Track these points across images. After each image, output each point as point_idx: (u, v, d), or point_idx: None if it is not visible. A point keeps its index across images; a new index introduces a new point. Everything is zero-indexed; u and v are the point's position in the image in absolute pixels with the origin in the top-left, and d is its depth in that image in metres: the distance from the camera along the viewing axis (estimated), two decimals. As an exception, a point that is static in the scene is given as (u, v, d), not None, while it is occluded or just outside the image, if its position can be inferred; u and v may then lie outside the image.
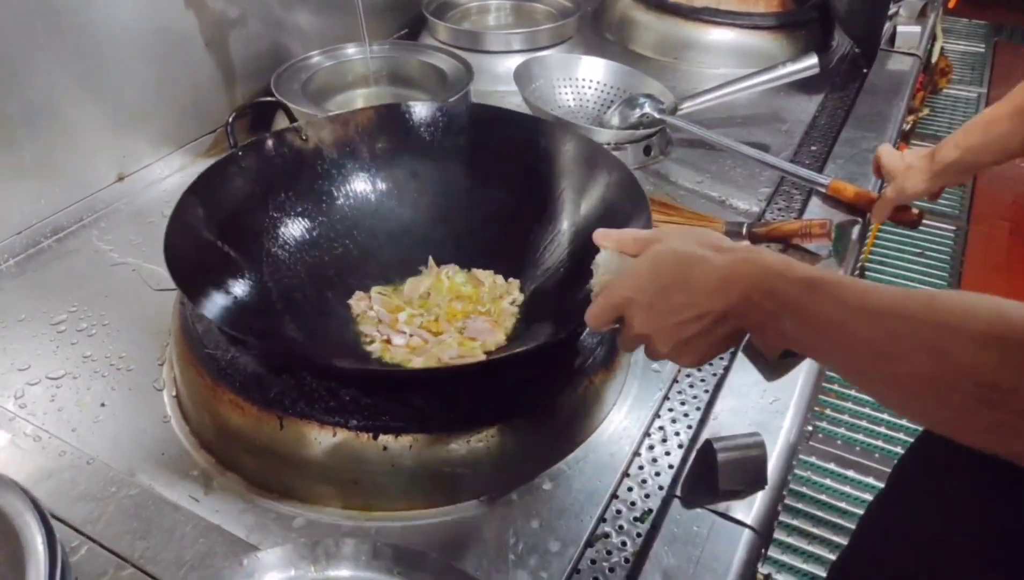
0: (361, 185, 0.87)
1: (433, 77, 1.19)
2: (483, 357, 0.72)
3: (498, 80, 1.27)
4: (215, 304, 0.67)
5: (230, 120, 0.78)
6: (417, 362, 0.72)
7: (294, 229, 0.81)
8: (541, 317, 0.77)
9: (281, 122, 1.09)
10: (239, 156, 0.79)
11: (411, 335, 0.75)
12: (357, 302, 0.79)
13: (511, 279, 0.82)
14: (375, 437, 0.62)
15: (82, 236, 0.96)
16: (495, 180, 0.86)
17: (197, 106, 1.09)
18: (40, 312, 0.84)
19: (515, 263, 0.82)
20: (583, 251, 0.75)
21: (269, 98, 0.91)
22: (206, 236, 0.72)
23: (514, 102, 1.23)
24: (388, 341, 0.75)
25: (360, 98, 1.21)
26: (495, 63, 1.29)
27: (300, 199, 0.82)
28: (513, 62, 1.24)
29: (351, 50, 1.21)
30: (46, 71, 0.89)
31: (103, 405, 0.73)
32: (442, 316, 0.78)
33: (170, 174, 1.07)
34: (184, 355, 0.69)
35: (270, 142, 0.82)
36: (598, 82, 1.17)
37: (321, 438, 0.62)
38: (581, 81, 1.17)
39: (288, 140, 0.83)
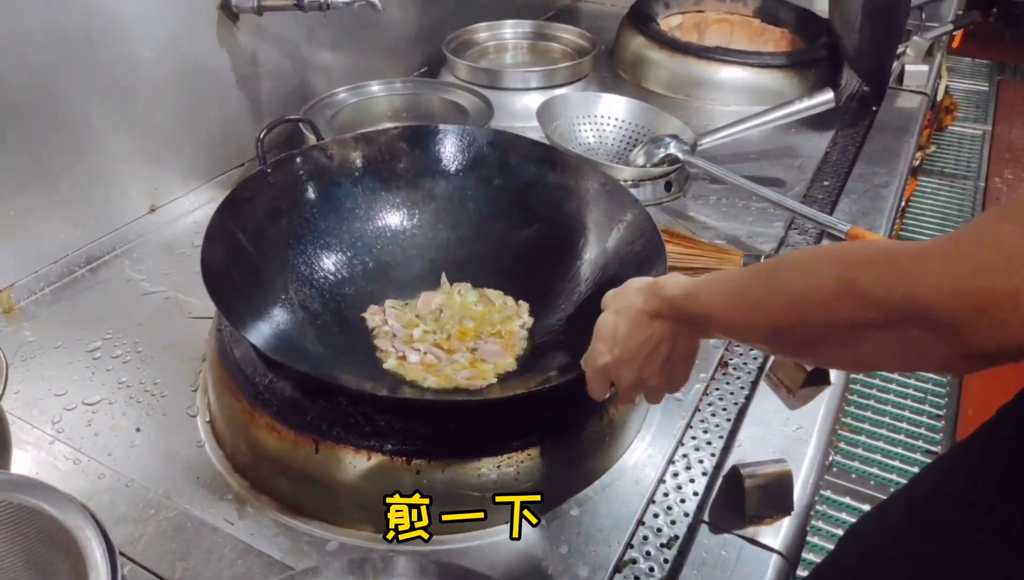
0: (382, 203, 0.90)
1: (455, 113, 1.22)
2: (494, 379, 0.75)
3: (516, 117, 1.30)
4: (256, 330, 0.69)
5: (261, 136, 0.81)
6: (431, 381, 0.74)
7: (317, 244, 0.84)
8: (552, 346, 0.79)
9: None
10: (268, 172, 0.82)
11: (425, 353, 0.77)
12: (372, 316, 0.82)
13: (520, 302, 0.84)
14: (408, 461, 0.63)
15: (115, 266, 0.98)
16: (515, 207, 0.89)
17: (226, 140, 1.12)
18: (75, 339, 0.86)
19: (526, 288, 0.85)
20: (597, 289, 0.79)
21: (295, 117, 0.94)
22: (238, 250, 0.75)
23: (532, 138, 1.26)
24: (403, 357, 0.77)
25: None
26: (513, 100, 1.33)
27: (323, 215, 0.85)
28: (530, 99, 1.28)
29: (375, 87, 1.24)
30: (84, 104, 0.92)
31: (138, 430, 0.75)
32: (454, 334, 0.80)
33: (199, 206, 1.09)
34: (221, 380, 0.71)
35: (298, 159, 0.85)
36: (617, 119, 1.20)
37: (356, 462, 0.64)
38: (601, 118, 1.20)
39: (314, 157, 0.86)
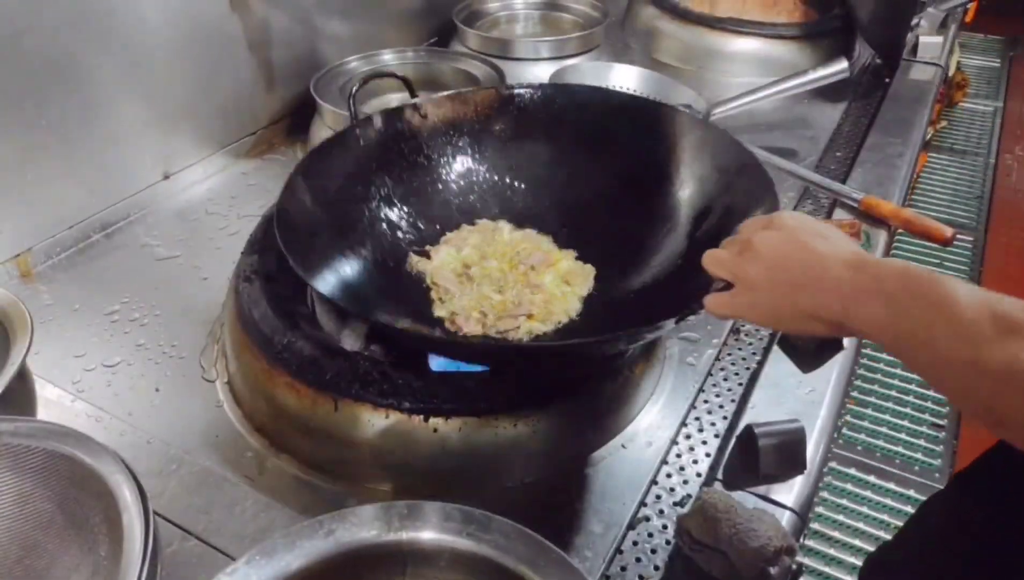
0: (468, 164, 0.87)
1: (467, 82, 1.22)
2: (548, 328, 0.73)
3: (527, 87, 1.30)
4: (323, 280, 0.68)
5: (353, 91, 0.81)
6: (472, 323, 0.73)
7: (398, 204, 0.82)
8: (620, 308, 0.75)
9: (318, 125, 1.12)
10: (356, 131, 0.81)
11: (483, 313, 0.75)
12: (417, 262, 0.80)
13: (587, 265, 0.80)
14: (426, 419, 0.64)
15: (129, 231, 0.99)
16: (613, 170, 0.84)
17: (238, 108, 1.12)
18: (93, 302, 0.87)
19: (603, 251, 0.81)
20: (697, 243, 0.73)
21: (388, 72, 0.93)
22: (315, 206, 0.74)
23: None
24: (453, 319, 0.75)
25: (396, 102, 1.24)
26: (524, 70, 1.32)
27: (409, 175, 0.83)
28: (541, 69, 1.27)
29: (387, 56, 1.24)
30: (99, 71, 0.92)
31: (157, 390, 0.76)
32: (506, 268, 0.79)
33: (213, 173, 1.10)
34: (239, 340, 0.72)
35: (386, 118, 0.83)
36: (630, 89, 1.20)
37: (374, 420, 0.64)
38: (613, 88, 1.20)
39: (407, 117, 0.84)
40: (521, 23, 1.54)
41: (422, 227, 0.83)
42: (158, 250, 0.96)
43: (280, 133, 1.19)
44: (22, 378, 0.60)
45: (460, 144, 0.87)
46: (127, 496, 0.43)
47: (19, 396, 0.59)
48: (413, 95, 0.86)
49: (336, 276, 0.72)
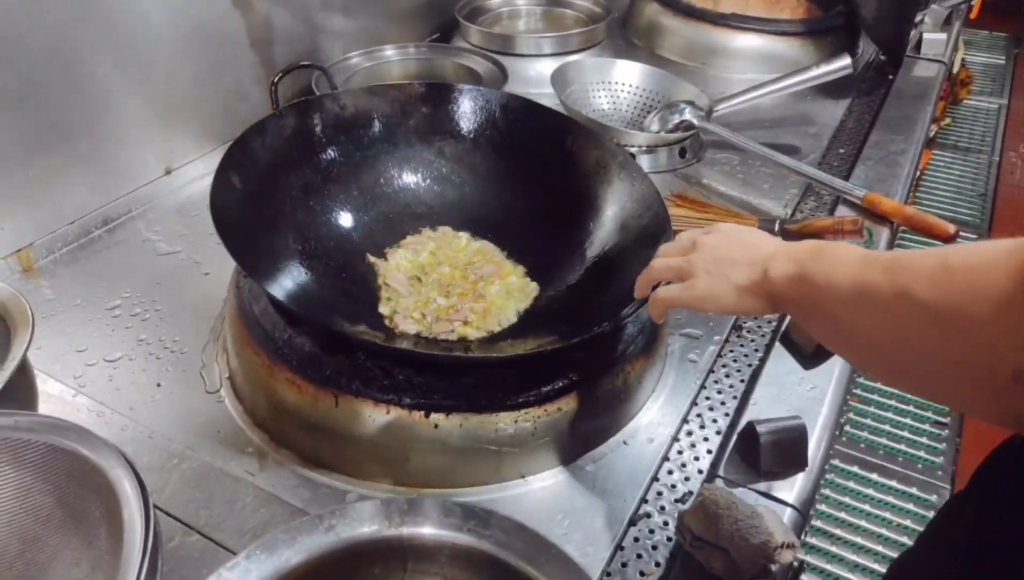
0: (392, 159, 0.89)
1: (468, 79, 1.22)
2: (497, 328, 0.75)
3: (529, 83, 1.30)
4: (274, 281, 0.69)
5: (275, 80, 0.81)
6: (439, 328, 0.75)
7: (325, 195, 0.84)
8: (555, 310, 0.78)
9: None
10: (279, 117, 0.82)
11: (424, 313, 0.77)
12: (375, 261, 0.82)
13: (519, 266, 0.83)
14: (427, 415, 0.64)
15: (131, 227, 0.99)
16: (525, 173, 0.88)
17: (240, 104, 1.12)
18: (94, 297, 0.87)
19: (531, 255, 0.84)
20: (601, 260, 0.80)
21: (309, 63, 0.94)
22: (248, 193, 0.75)
23: (546, 104, 1.25)
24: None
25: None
26: (526, 66, 1.32)
27: (333, 166, 0.85)
28: (544, 66, 1.27)
29: (388, 52, 1.24)
30: (101, 66, 0.92)
31: (159, 385, 0.76)
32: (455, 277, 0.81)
33: (214, 169, 1.09)
34: (240, 335, 0.72)
35: (311, 107, 0.84)
36: (632, 86, 1.19)
37: (375, 416, 0.64)
38: (616, 85, 1.20)
39: (327, 106, 0.85)
40: (523, 19, 1.53)
41: (349, 218, 0.84)
42: (160, 245, 0.96)
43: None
44: (23, 372, 0.60)
45: (380, 137, 0.88)
46: (128, 490, 0.43)
47: (20, 390, 0.59)
48: (333, 88, 0.87)
49: (286, 274, 0.73)
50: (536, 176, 0.88)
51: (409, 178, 0.90)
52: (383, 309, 0.77)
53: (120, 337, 0.82)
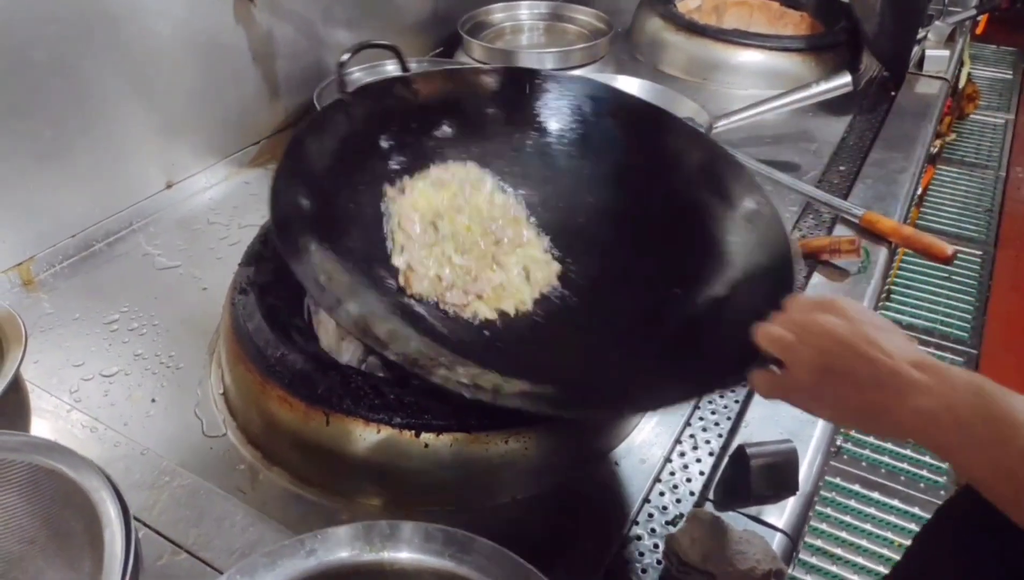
0: (456, 146, 0.82)
1: (469, 94, 1.22)
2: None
3: (531, 98, 1.30)
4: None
5: (344, 59, 0.75)
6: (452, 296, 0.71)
7: (386, 177, 0.78)
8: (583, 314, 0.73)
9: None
10: (346, 102, 0.77)
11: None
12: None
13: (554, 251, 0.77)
14: (417, 435, 0.64)
15: (132, 240, 1.00)
16: (610, 175, 0.81)
17: (242, 118, 1.13)
18: (93, 311, 0.87)
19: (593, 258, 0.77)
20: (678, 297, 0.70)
21: (381, 43, 0.86)
22: (311, 187, 0.71)
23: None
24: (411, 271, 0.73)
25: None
26: (528, 81, 1.32)
27: (399, 150, 0.79)
28: (546, 80, 1.27)
29: (390, 67, 1.24)
30: (103, 80, 0.93)
31: (153, 401, 0.76)
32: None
33: (216, 183, 1.10)
34: (234, 352, 0.72)
35: (378, 90, 0.80)
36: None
37: (366, 435, 0.64)
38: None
39: (397, 91, 0.81)
40: (526, 34, 1.54)
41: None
42: (159, 259, 0.97)
43: (283, 143, 1.18)
44: (15, 389, 0.61)
45: (444, 124, 0.81)
46: (110, 512, 0.44)
47: (12, 407, 0.60)
48: (405, 70, 0.82)
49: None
50: (626, 182, 0.79)
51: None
52: (396, 260, 0.72)
53: (117, 351, 0.82)
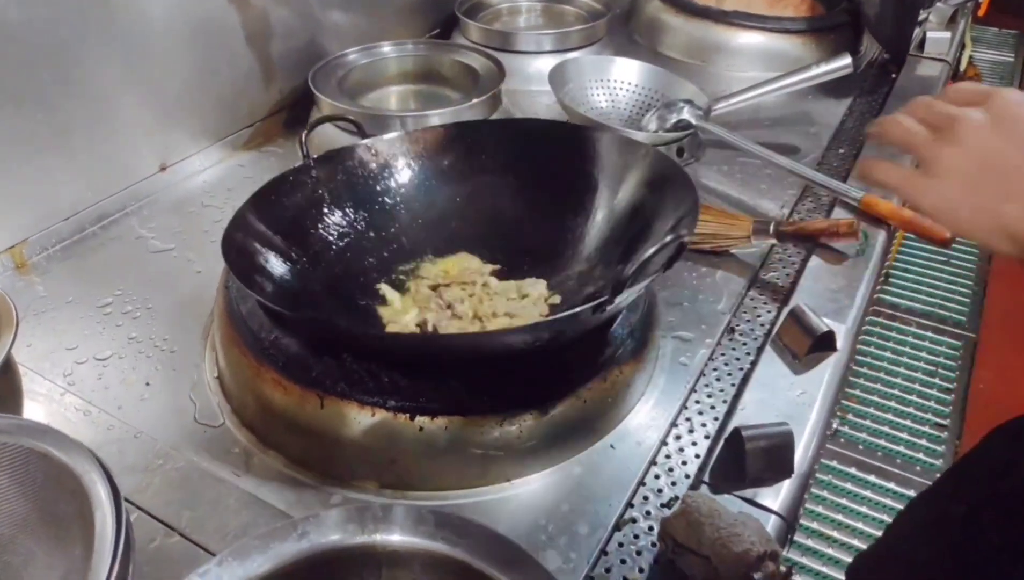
0: (417, 196, 0.86)
1: (466, 76, 1.21)
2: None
3: (529, 80, 1.29)
4: (262, 287, 0.69)
5: (304, 137, 0.81)
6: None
7: (347, 233, 0.82)
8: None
9: (316, 118, 1.12)
10: (311, 167, 0.81)
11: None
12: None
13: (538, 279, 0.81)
14: (412, 418, 0.64)
15: (125, 223, 0.99)
16: (540, 187, 0.85)
17: (236, 100, 1.12)
18: (87, 295, 0.87)
19: (547, 261, 0.82)
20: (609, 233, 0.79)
21: (340, 116, 0.95)
22: (263, 232, 0.74)
23: (544, 102, 1.25)
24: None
25: (394, 95, 1.24)
26: (526, 63, 1.31)
27: (359, 208, 0.83)
28: (543, 63, 1.26)
29: (386, 48, 1.23)
30: (96, 62, 0.92)
31: (148, 384, 0.76)
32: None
33: (210, 166, 1.10)
34: (228, 335, 0.71)
35: (342, 156, 0.84)
36: (631, 84, 1.19)
37: (360, 418, 0.64)
38: (614, 83, 1.19)
39: (359, 155, 0.85)
40: (524, 15, 1.53)
41: (367, 249, 0.83)
42: (153, 242, 0.96)
43: (278, 125, 1.19)
44: (6, 372, 0.60)
45: (406, 179, 0.86)
46: (101, 494, 0.43)
47: (3, 390, 0.59)
48: (364, 137, 0.86)
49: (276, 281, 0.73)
50: (552, 184, 0.84)
51: (432, 209, 0.87)
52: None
53: (111, 335, 0.82)
